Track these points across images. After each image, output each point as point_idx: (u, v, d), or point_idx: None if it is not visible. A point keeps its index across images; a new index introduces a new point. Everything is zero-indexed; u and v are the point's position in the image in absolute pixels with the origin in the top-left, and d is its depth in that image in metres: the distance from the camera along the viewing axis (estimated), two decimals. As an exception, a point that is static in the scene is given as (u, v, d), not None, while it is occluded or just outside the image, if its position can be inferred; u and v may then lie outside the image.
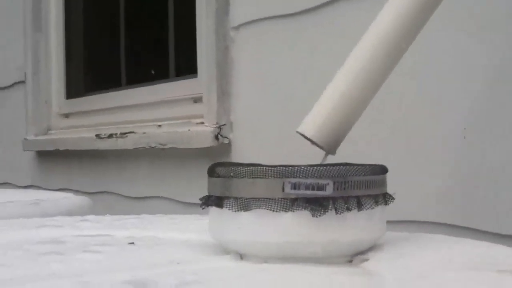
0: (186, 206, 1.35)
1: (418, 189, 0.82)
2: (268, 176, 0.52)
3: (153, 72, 1.78)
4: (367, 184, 0.53)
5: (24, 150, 2.03)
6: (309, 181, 0.51)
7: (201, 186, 1.35)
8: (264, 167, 0.53)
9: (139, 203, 1.51)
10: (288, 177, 0.52)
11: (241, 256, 0.55)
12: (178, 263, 0.51)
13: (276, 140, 1.11)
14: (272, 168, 0.52)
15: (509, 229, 0.72)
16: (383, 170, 0.56)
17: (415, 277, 0.43)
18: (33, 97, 2.01)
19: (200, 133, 1.32)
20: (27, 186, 2.06)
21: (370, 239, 0.54)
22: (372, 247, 0.54)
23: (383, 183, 0.56)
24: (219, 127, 1.28)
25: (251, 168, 0.53)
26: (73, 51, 2.06)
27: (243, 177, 0.53)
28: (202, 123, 1.35)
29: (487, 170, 0.74)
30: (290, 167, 0.52)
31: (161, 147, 1.41)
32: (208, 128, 1.30)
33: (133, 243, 0.60)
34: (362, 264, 0.51)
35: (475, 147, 0.76)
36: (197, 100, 1.45)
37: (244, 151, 1.21)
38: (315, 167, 0.52)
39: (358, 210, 0.52)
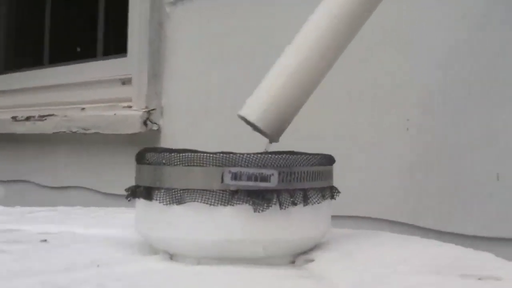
0: (109, 198, 1.25)
1: (359, 183, 0.78)
2: (206, 164, 0.46)
3: (79, 49, 1.66)
4: (314, 175, 0.48)
5: None
6: (251, 170, 0.45)
7: (127, 176, 1.25)
8: (201, 154, 0.46)
9: (57, 193, 1.39)
10: (228, 166, 0.45)
11: (171, 256, 0.48)
12: (98, 266, 0.43)
13: (212, 128, 1.05)
14: (210, 155, 0.46)
15: (452, 226, 0.69)
16: (330, 160, 0.51)
17: (370, 281, 0.38)
18: None
19: (127, 118, 1.23)
20: None
21: (315, 237, 0.49)
22: (315, 246, 0.49)
23: (330, 175, 0.51)
24: (148, 112, 1.20)
25: (186, 154, 0.46)
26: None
27: (176, 165, 0.47)
28: (130, 107, 1.26)
29: (429, 163, 0.72)
30: (231, 154, 0.46)
31: (84, 132, 1.31)
32: (136, 113, 1.21)
33: (45, 240, 0.52)
34: (307, 266, 0.46)
35: (417, 139, 0.73)
36: (125, 81, 1.35)
37: (175, 139, 1.13)
38: (258, 155, 0.46)
39: (304, 205, 0.47)
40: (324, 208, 0.49)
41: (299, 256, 0.48)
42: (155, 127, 1.19)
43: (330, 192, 0.50)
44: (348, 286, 0.38)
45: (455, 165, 0.69)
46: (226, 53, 1.03)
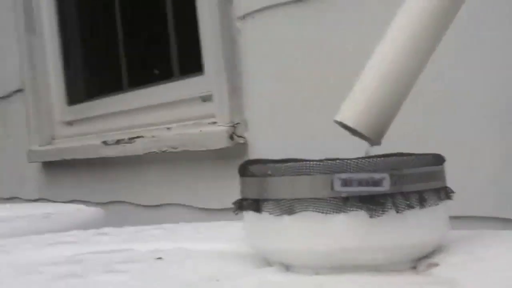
0: (204, 212, 1.28)
1: (463, 180, 0.74)
2: (314, 172, 0.45)
3: (156, 72, 1.71)
4: (427, 176, 0.46)
5: (29, 162, 1.96)
6: (362, 176, 0.44)
7: (218, 190, 1.28)
8: (308, 162, 0.45)
9: (154, 211, 1.44)
10: (337, 172, 0.44)
11: (287, 268, 0.48)
12: (217, 280, 0.44)
13: (298, 137, 1.04)
14: (318, 163, 0.45)
15: None
16: (440, 160, 0.49)
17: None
18: (33, 104, 1.94)
19: (213, 134, 1.25)
20: (35, 200, 1.99)
21: (435, 240, 0.47)
22: (436, 249, 0.47)
23: (442, 175, 0.48)
24: (233, 126, 1.21)
25: (293, 164, 0.46)
26: (71, 53, 1.98)
27: (283, 175, 0.46)
28: (214, 122, 1.28)
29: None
30: (339, 161, 0.45)
31: (173, 150, 1.34)
32: (221, 128, 1.23)
33: (161, 258, 0.53)
34: (431, 271, 0.44)
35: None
36: (206, 99, 1.38)
37: (262, 150, 1.14)
38: (368, 159, 0.45)
39: (421, 207, 0.45)
40: (441, 210, 0.47)
41: (420, 261, 0.46)
42: (241, 140, 1.20)
43: (445, 192, 0.48)
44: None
45: None
46: (301, 62, 1.03)
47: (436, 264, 0.45)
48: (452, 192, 0.49)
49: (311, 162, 0.45)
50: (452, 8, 0.54)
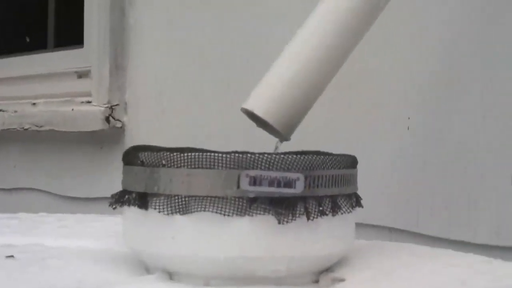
0: (67, 201, 1.14)
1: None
2: (218, 166, 0.38)
3: (28, 40, 1.53)
4: (343, 180, 0.41)
5: None
6: (274, 174, 0.38)
7: (88, 177, 1.14)
8: (212, 154, 0.38)
9: (10, 196, 1.26)
10: (245, 168, 0.38)
11: (171, 276, 0.40)
12: (83, 290, 0.35)
13: (184, 125, 0.96)
14: (223, 156, 0.38)
15: (460, 233, 0.64)
16: (355, 162, 0.44)
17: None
18: None
19: (86, 114, 1.12)
20: None
21: (343, 251, 0.42)
22: (338, 261, 0.43)
23: (355, 179, 0.44)
24: (111, 107, 1.10)
25: (192, 154, 0.39)
26: None
27: (180, 167, 0.39)
28: (89, 102, 1.15)
29: (432, 164, 0.67)
30: (249, 155, 0.38)
31: (37, 128, 1.19)
32: (96, 108, 1.11)
33: (12, 256, 0.42)
34: (335, 287, 0.39)
35: (418, 137, 0.68)
36: (82, 74, 1.25)
37: (141, 137, 1.04)
38: (281, 156, 0.38)
39: (333, 215, 0.40)
40: (352, 218, 0.42)
41: (322, 274, 0.41)
42: (118, 124, 1.09)
43: (356, 199, 0.43)
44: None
45: (462, 167, 0.64)
46: (199, 42, 0.95)
47: (342, 280, 0.40)
48: (361, 198, 0.45)
49: (215, 154, 0.38)
50: (373, 8, 0.50)
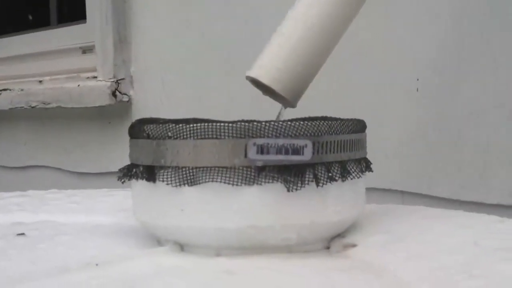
0: (78, 177, 1.14)
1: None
2: (224, 135, 0.37)
3: (30, 17, 1.52)
4: (352, 144, 0.40)
5: None
6: (281, 142, 0.37)
7: (96, 152, 1.14)
8: (217, 123, 0.38)
9: (18, 174, 1.27)
10: (252, 137, 0.37)
11: (182, 247, 0.40)
12: (97, 264, 0.35)
13: (191, 98, 0.95)
14: (229, 125, 0.37)
15: (472, 195, 0.63)
16: (363, 126, 0.43)
17: (443, 276, 0.31)
18: None
19: (93, 89, 1.12)
20: None
21: (353, 217, 0.42)
22: (349, 227, 0.42)
23: (364, 144, 0.43)
24: (117, 82, 1.09)
25: (198, 125, 0.38)
26: None
27: (186, 138, 0.38)
28: (95, 77, 1.15)
29: (442, 126, 0.66)
30: (256, 123, 0.37)
31: (44, 106, 1.19)
32: (102, 83, 1.10)
33: (23, 233, 0.42)
34: (348, 253, 0.39)
35: (428, 99, 0.67)
36: (86, 50, 1.24)
37: (149, 111, 1.03)
38: (288, 123, 0.38)
39: (343, 180, 0.39)
40: (362, 183, 0.42)
41: (334, 240, 0.41)
42: (125, 98, 1.08)
43: (366, 163, 0.43)
44: (418, 281, 0.31)
45: (474, 127, 0.63)
46: (202, 14, 0.93)
47: (353, 245, 0.40)
48: (371, 163, 0.44)
49: (221, 124, 0.38)
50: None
